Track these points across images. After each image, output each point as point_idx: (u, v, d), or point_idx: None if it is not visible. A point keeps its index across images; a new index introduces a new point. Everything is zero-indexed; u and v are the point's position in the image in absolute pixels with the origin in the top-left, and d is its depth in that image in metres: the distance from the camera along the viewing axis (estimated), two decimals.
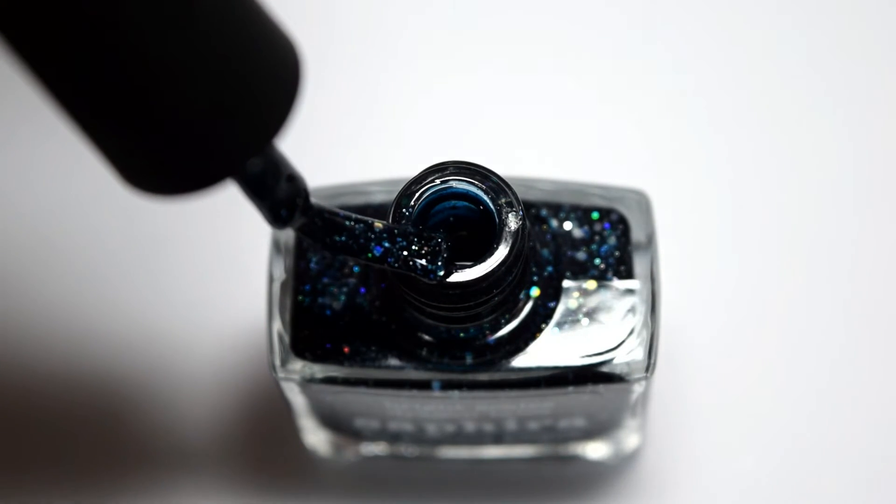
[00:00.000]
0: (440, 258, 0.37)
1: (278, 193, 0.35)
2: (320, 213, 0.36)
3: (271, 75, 0.32)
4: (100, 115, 0.31)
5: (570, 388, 0.40)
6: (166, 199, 0.33)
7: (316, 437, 0.48)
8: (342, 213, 0.37)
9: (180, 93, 0.31)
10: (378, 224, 0.37)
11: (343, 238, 0.37)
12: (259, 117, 0.32)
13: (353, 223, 0.37)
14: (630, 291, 0.40)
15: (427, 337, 0.40)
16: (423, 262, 0.37)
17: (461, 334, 0.39)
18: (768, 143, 0.52)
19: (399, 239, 0.37)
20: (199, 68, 0.31)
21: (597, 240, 0.41)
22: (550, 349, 0.40)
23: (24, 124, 0.53)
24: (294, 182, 0.35)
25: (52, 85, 0.31)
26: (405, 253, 0.37)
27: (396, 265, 0.37)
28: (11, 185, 0.52)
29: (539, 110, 0.53)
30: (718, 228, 0.51)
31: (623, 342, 0.40)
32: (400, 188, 0.38)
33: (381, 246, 0.37)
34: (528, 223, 0.38)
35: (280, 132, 0.33)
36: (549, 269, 0.40)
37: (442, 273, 0.37)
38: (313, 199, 0.36)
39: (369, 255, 0.37)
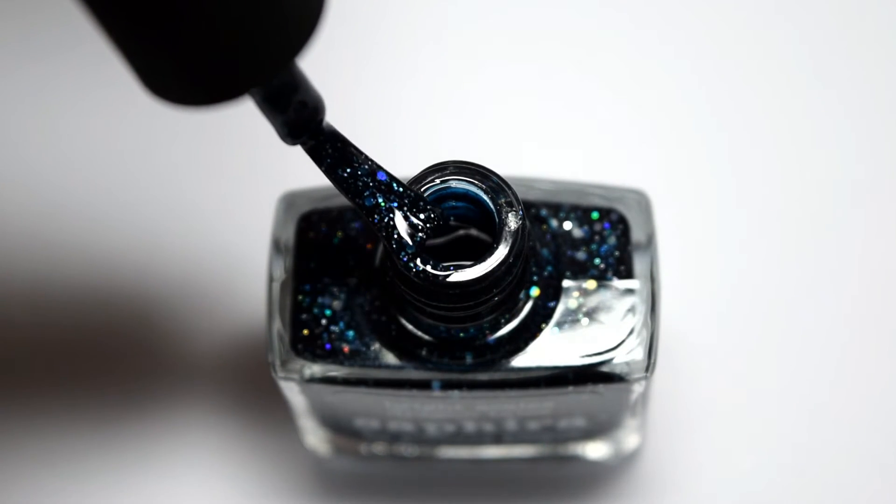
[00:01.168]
0: (419, 235, 0.37)
1: (294, 111, 0.35)
2: (333, 139, 0.37)
3: None
4: (129, 18, 0.31)
5: (570, 388, 0.40)
6: (187, 108, 0.33)
7: (316, 437, 0.48)
8: (355, 148, 0.37)
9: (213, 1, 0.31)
10: (380, 172, 0.37)
11: (346, 174, 0.37)
12: (286, 32, 0.33)
13: (359, 163, 0.37)
14: (630, 291, 0.40)
15: (427, 337, 0.40)
16: (405, 231, 0.37)
17: (461, 334, 0.39)
18: (769, 142, 0.52)
19: (392, 197, 0.37)
20: None
21: (597, 240, 0.41)
22: (550, 349, 0.40)
23: (23, 121, 0.53)
24: (309, 104, 0.35)
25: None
26: (391, 215, 0.37)
27: (379, 227, 0.37)
28: (9, 185, 0.52)
29: (539, 110, 0.53)
30: (719, 228, 0.51)
31: (623, 342, 0.40)
32: None
33: (374, 198, 0.37)
34: (527, 223, 0.38)
35: (305, 48, 0.33)
36: (549, 269, 0.40)
37: (412, 252, 0.37)
38: (329, 124, 0.36)
39: (359, 200, 0.37)
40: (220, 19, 0.32)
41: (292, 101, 0.35)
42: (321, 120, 0.36)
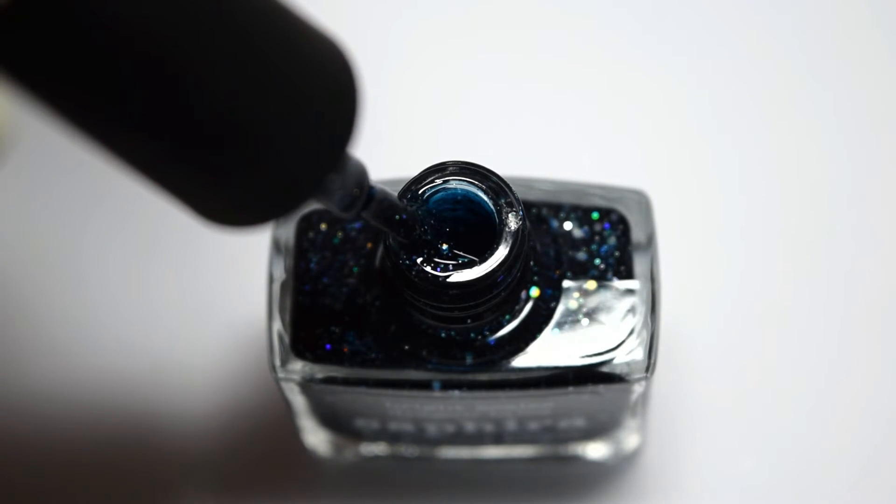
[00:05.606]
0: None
1: (346, 196, 0.35)
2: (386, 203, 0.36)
3: (330, 90, 0.33)
4: (189, 171, 0.32)
5: (570, 388, 0.40)
6: (252, 230, 0.33)
7: (316, 437, 0.48)
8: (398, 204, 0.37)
9: (262, 132, 0.31)
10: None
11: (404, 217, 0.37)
12: (328, 132, 0.33)
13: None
14: (630, 291, 0.40)
15: (427, 337, 0.40)
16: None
17: (461, 335, 0.39)
18: (769, 142, 0.52)
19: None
20: (272, 104, 0.31)
21: (597, 240, 0.41)
22: (550, 349, 0.40)
23: (24, 125, 0.53)
24: (356, 182, 0.35)
25: (137, 156, 0.31)
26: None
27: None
28: (7, 183, 0.52)
29: (540, 110, 0.53)
30: (718, 228, 0.51)
31: (623, 342, 0.40)
32: (400, 188, 0.38)
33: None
34: (528, 223, 0.38)
35: (350, 140, 0.33)
36: (550, 269, 0.40)
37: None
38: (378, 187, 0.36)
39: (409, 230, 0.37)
40: (266, 143, 0.32)
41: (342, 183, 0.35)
42: (361, 195, 0.35)
